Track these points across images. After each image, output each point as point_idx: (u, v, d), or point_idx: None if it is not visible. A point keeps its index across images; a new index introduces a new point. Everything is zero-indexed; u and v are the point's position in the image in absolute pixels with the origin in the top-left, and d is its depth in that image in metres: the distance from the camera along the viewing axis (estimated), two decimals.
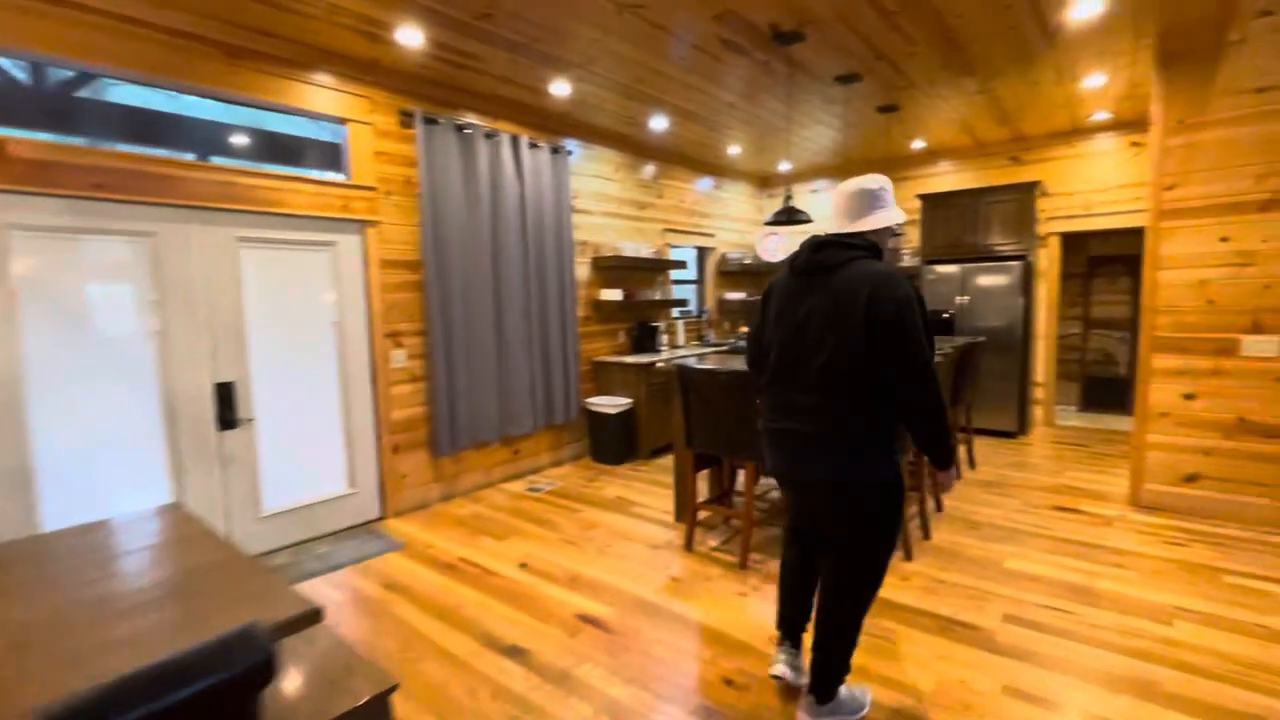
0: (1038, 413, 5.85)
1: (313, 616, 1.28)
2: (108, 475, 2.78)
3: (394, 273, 3.82)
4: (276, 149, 3.57)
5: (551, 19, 3.09)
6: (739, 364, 3.57)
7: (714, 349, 5.96)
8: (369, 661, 1.49)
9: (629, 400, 4.93)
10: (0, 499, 2.49)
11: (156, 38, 2.82)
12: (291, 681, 1.43)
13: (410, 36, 3.24)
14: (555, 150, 4.67)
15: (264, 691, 0.90)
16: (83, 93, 2.93)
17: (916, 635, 2.37)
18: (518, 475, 4.64)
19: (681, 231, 6.22)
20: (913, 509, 3.33)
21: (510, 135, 4.33)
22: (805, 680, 1.93)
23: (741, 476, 3.68)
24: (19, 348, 2.52)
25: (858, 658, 2.12)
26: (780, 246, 7.05)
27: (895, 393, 1.65)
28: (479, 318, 4.20)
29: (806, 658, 2.04)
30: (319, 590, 2.87)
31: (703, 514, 3.57)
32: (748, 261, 6.95)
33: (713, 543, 3.32)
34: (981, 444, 5.11)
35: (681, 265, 5.86)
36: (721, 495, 3.60)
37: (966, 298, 5.65)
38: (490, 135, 4.20)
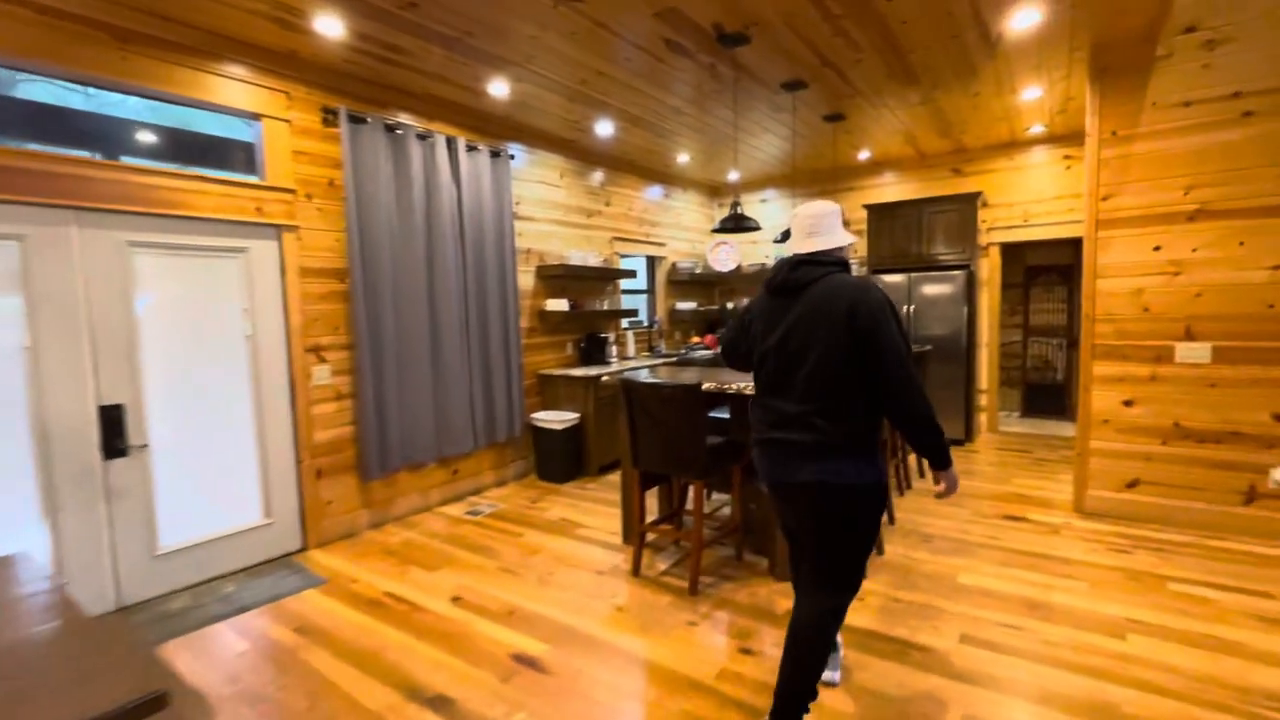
0: (982, 419, 5.94)
1: (154, 704, 1.04)
2: None
3: (317, 282, 3.52)
4: (183, 147, 3.24)
5: (483, 12, 2.90)
6: (690, 375, 3.42)
7: (665, 360, 5.82)
8: None
9: (576, 415, 4.73)
10: None
11: (24, 15, 2.48)
12: None
13: (329, 26, 2.99)
14: (496, 153, 4.46)
15: None
16: None
17: (874, 663, 2.24)
18: (457, 497, 4.36)
19: (631, 240, 6.08)
20: None
21: (446, 137, 4.10)
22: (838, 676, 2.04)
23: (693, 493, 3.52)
24: None
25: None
26: (731, 256, 7.01)
27: (880, 397, 1.71)
28: (413, 330, 3.93)
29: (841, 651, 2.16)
30: (219, 638, 2.55)
31: (652, 535, 3.40)
32: (699, 271, 6.87)
33: (662, 566, 3.14)
34: None
35: (631, 275, 5.71)
36: (671, 514, 3.43)
37: (912, 306, 5.69)
38: (424, 136, 3.96)
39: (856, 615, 2.58)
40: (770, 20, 3.07)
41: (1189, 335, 3.40)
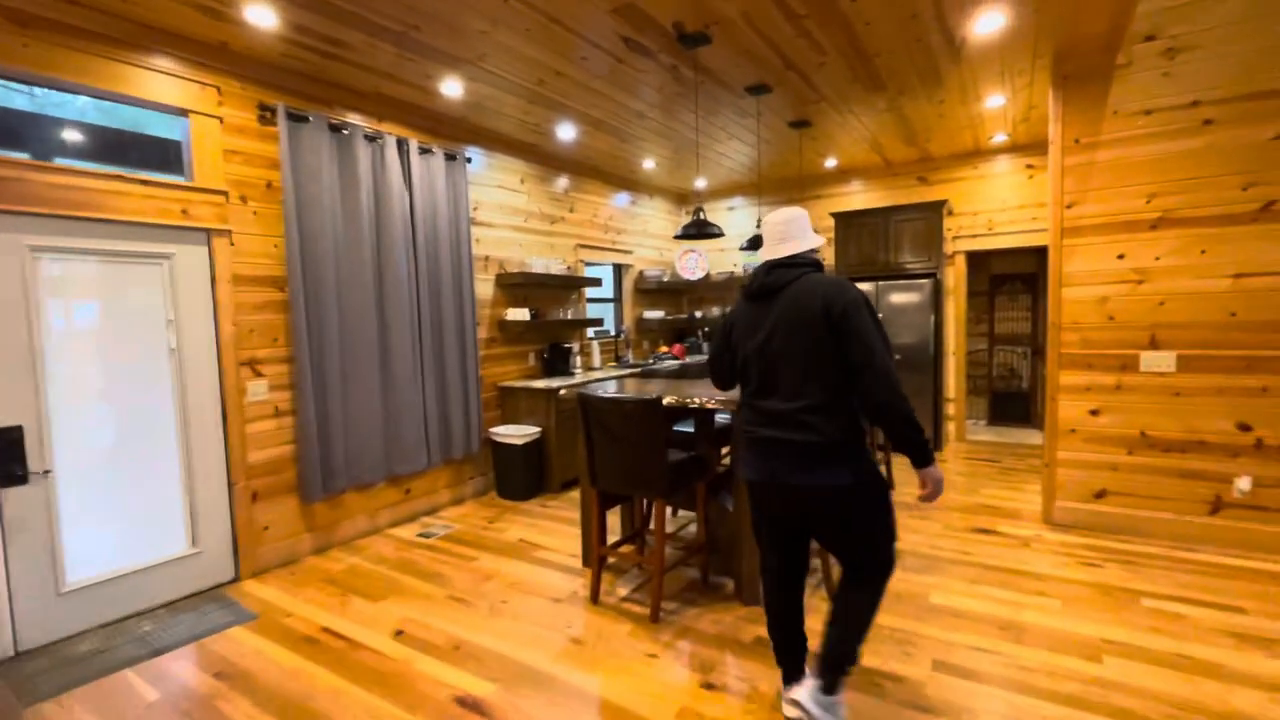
0: (950, 428, 5.91)
1: None
2: None
3: (253, 291, 3.28)
4: (108, 145, 2.98)
5: (426, 3, 2.72)
6: (654, 388, 3.27)
7: (632, 370, 5.66)
8: None
9: (538, 429, 4.53)
10: None
11: None
12: None
13: (261, 16, 2.78)
14: (451, 156, 4.26)
15: None
16: None
17: (846, 696, 2.10)
18: (410, 518, 4.12)
19: (596, 248, 5.92)
20: None
21: (397, 138, 3.89)
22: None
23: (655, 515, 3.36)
24: None
25: None
26: (699, 264, 6.91)
27: (859, 390, 1.74)
28: (360, 341, 3.70)
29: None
30: (126, 687, 2.29)
31: (613, 557, 3.22)
32: (667, 279, 6.75)
33: (623, 591, 2.97)
34: (900, 463, 5.05)
35: (596, 283, 5.55)
36: (635, 534, 3.26)
37: (880, 315, 5.65)
38: (373, 137, 3.75)
39: None
40: (731, 19, 2.96)
41: (1154, 344, 3.38)
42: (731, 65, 3.52)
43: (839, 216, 5.96)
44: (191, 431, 3.06)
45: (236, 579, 3.22)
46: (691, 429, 3.30)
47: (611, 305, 6.56)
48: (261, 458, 3.33)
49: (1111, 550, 3.25)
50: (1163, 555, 3.18)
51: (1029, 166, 5.43)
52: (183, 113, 3.02)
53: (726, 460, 4.24)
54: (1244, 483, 3.20)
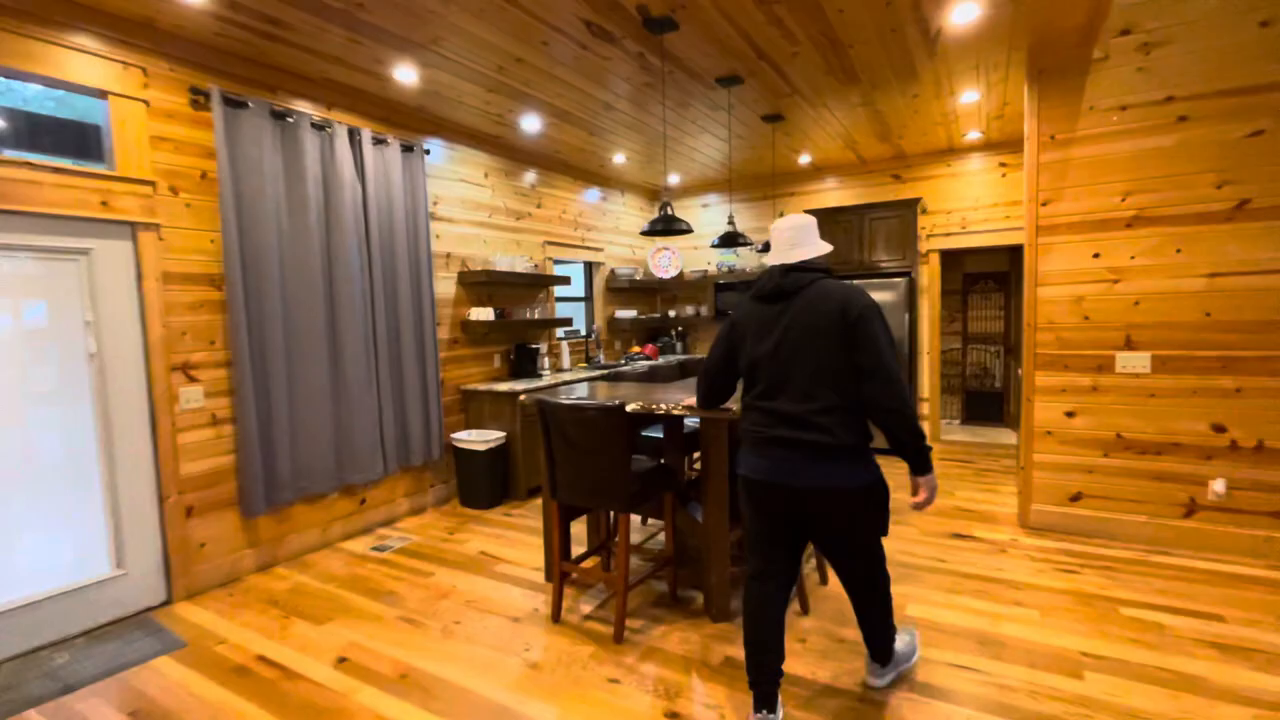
0: (925, 428, 5.86)
1: None
2: None
3: (186, 289, 3.04)
4: (11, 130, 2.70)
5: None
6: (626, 390, 3.11)
7: (603, 372, 5.49)
8: None
9: (502, 434, 4.34)
10: None
11: None
12: None
13: None
14: (408, 148, 4.04)
15: None
16: None
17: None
18: (365, 529, 3.90)
19: (565, 245, 5.74)
20: (809, 554, 3.01)
21: (349, 127, 3.66)
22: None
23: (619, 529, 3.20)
24: None
25: None
26: (673, 262, 6.76)
27: (866, 394, 1.78)
28: (307, 343, 3.46)
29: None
30: None
31: (577, 572, 3.05)
32: (639, 278, 6.58)
33: (587, 608, 2.80)
34: (888, 468, 4.97)
35: (565, 281, 5.36)
36: (600, 546, 3.10)
37: None
38: (321, 126, 3.52)
39: (796, 661, 2.31)
40: (699, 3, 2.81)
41: (1129, 344, 3.32)
42: (701, 54, 3.37)
43: (814, 214, 5.85)
44: (115, 443, 2.81)
45: (169, 601, 2.98)
46: (660, 434, 3.15)
47: (582, 304, 6.38)
48: (197, 470, 3.08)
49: (1088, 555, 3.19)
50: (1139, 560, 3.12)
51: (1002, 165, 5.39)
52: (101, 95, 2.76)
53: (698, 465, 4.09)
54: (1219, 485, 3.15)
